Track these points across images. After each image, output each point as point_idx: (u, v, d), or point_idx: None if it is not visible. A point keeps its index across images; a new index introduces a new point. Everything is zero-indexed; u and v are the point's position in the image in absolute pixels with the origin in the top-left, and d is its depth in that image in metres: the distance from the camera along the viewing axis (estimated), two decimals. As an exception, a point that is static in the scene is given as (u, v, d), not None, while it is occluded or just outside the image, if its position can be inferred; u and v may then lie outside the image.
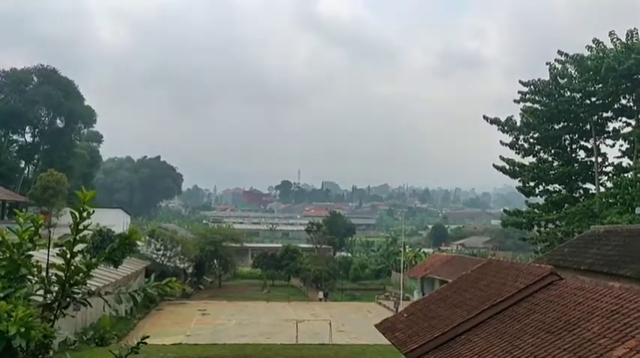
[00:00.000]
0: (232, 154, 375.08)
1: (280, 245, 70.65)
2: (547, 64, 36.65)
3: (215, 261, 58.90)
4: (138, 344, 4.19)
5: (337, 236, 72.35)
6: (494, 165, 39.42)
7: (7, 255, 3.66)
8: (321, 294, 52.90)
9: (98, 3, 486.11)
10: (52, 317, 3.77)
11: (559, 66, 36.22)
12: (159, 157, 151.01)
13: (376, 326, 17.26)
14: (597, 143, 36.67)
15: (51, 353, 3.70)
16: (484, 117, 38.96)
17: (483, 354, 11.19)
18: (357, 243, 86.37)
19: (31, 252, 3.83)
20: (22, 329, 3.13)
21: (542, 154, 38.51)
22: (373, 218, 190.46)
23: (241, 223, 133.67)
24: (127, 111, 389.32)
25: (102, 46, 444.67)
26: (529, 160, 38.63)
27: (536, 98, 37.22)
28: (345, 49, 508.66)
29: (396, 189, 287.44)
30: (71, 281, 3.81)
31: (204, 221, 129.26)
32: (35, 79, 67.97)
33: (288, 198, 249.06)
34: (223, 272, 60.78)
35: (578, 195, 37.55)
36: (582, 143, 38.04)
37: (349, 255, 74.48)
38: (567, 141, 38.14)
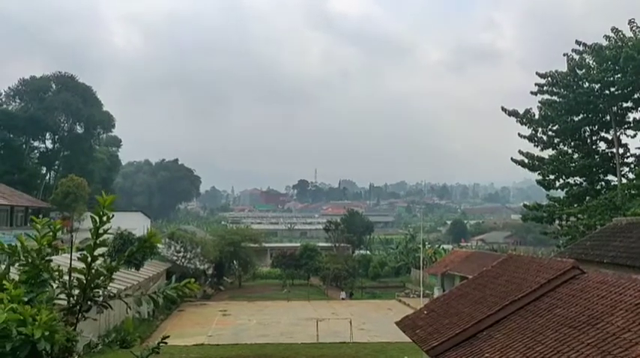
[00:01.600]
0: (249, 155, 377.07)
1: (299, 244, 70.72)
2: (564, 54, 36.10)
3: (234, 262, 59.24)
4: (158, 344, 4.25)
5: (355, 234, 72.17)
6: (512, 158, 38.97)
7: (29, 260, 3.74)
8: (343, 294, 52.38)
9: (111, 9, 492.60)
10: (75, 321, 3.84)
11: (577, 56, 35.62)
12: (177, 160, 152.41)
13: (397, 323, 17.22)
14: (618, 134, 36.00)
15: (75, 355, 3.76)
16: (502, 108, 38.49)
17: (506, 350, 11.09)
18: (375, 241, 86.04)
19: (51, 257, 3.90)
20: (47, 333, 3.20)
21: (561, 147, 37.92)
22: (391, 215, 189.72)
23: (259, 223, 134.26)
24: (144, 115, 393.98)
25: (117, 51, 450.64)
26: (548, 153, 38.09)
27: (554, 90, 36.66)
28: (357, 46, 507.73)
29: (413, 185, 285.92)
30: (92, 285, 3.88)
31: (222, 222, 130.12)
32: (54, 86, 69.13)
33: (306, 198, 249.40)
34: (243, 273, 61.12)
35: (599, 187, 36.91)
36: (602, 134, 37.38)
37: (368, 252, 74.26)
38: (587, 133, 37.50)
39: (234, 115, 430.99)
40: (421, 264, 50.96)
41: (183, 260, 51.27)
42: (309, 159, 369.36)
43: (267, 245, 71.38)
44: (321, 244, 69.75)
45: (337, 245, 65.73)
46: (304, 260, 59.63)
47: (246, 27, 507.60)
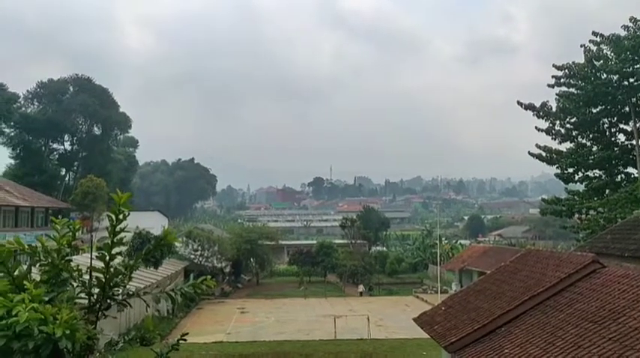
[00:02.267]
0: (264, 153, 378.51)
1: (315, 241, 70.76)
2: (581, 46, 35.53)
3: (252, 260, 59.55)
4: (177, 341, 4.30)
5: (372, 230, 71.98)
6: (529, 152, 38.50)
7: (49, 260, 3.80)
8: (361, 288, 52.00)
9: (126, 12, 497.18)
10: (95, 319, 3.89)
11: (594, 48, 35.03)
12: (193, 159, 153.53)
13: (414, 320, 17.16)
14: (637, 125, 35.33)
15: (96, 353, 3.82)
16: (518, 102, 38.05)
17: (525, 346, 10.98)
18: (392, 237, 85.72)
19: (71, 257, 3.96)
20: (68, 332, 3.25)
21: (580, 139, 37.37)
22: (407, 211, 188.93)
23: (276, 221, 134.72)
24: (160, 116, 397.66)
25: (131, 53, 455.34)
26: (566, 146, 37.56)
27: (572, 82, 36.12)
28: (370, 42, 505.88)
29: (429, 181, 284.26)
30: (111, 283, 3.93)
31: (239, 220, 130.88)
32: (71, 88, 70.07)
33: (321, 195, 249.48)
34: (260, 271, 61.41)
35: (619, 179, 36.30)
36: (622, 126, 36.73)
37: (385, 249, 74.02)
38: (606, 125, 36.89)
39: (249, 114, 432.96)
40: (438, 260, 50.68)
41: (200, 258, 51.69)
42: (324, 157, 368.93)
43: (283, 242, 71.58)
44: (337, 241, 69.71)
45: (353, 241, 65.62)
46: (321, 257, 59.69)
47: (259, 26, 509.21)
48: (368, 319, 32.77)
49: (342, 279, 58.47)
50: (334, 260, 59.01)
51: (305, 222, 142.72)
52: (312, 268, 60.37)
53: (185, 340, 4.42)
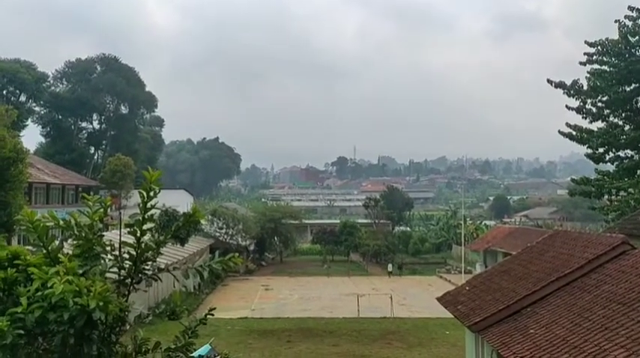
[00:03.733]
0: (288, 133, 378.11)
1: (338, 221, 71.09)
2: (616, 21, 34.29)
3: (275, 238, 60.20)
4: (205, 316, 4.39)
5: (395, 210, 71.88)
6: (559, 131, 37.63)
7: (82, 234, 3.90)
8: (390, 267, 51.46)
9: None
10: (126, 292, 4.00)
11: (629, 23, 33.78)
12: (217, 138, 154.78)
13: (438, 299, 17.18)
14: (673, 104, 34.17)
15: (127, 326, 3.93)
16: (548, 81, 37.09)
17: (551, 326, 10.91)
18: (415, 217, 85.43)
19: (102, 232, 4.06)
20: (101, 303, 3.35)
21: (611, 118, 36.33)
22: (431, 191, 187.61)
23: (299, 200, 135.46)
24: (185, 95, 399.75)
25: (157, 31, 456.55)
26: (598, 125, 36.57)
27: (605, 59, 34.99)
28: (395, 18, 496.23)
29: (454, 161, 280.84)
30: (142, 258, 4.02)
31: (263, 199, 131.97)
32: (98, 67, 71.04)
33: (345, 174, 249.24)
34: (284, 249, 62.10)
35: (652, 160, 35.29)
36: (656, 105, 35.54)
37: (408, 229, 73.91)
38: (639, 104, 35.74)
39: (272, 93, 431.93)
40: (462, 240, 50.40)
41: (225, 236, 52.49)
42: (347, 136, 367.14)
43: (307, 222, 72.08)
44: (360, 221, 69.89)
45: (377, 221, 65.69)
46: (344, 236, 59.98)
47: (283, 3, 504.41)
48: (391, 298, 32.94)
49: (364, 259, 58.73)
50: (357, 239, 59.24)
51: (328, 202, 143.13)
52: (336, 247, 60.77)
53: (212, 315, 4.52)
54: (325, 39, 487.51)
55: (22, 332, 3.34)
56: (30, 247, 4.00)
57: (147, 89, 74.27)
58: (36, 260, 3.67)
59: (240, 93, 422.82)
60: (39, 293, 3.37)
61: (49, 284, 3.36)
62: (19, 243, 27.84)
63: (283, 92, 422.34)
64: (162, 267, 4.35)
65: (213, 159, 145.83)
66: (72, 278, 3.40)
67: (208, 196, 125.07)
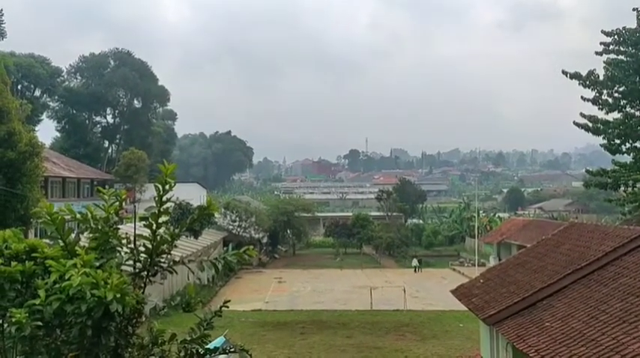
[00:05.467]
0: (300, 125, 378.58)
1: (351, 214, 70.96)
2: (634, 9, 33.62)
3: (288, 231, 60.35)
4: (220, 308, 4.41)
5: (408, 203, 71.54)
6: (574, 122, 37.06)
7: (99, 227, 3.92)
8: (415, 262, 49.33)
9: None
10: (142, 285, 4.02)
11: (647, 11, 33.10)
12: (230, 132, 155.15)
13: (452, 292, 17.11)
14: (692, 94, 33.48)
15: (143, 318, 3.96)
16: (563, 72, 36.51)
17: (567, 319, 10.80)
18: (428, 210, 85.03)
19: (118, 225, 4.08)
20: (118, 295, 3.37)
21: (628, 109, 35.67)
22: (444, 184, 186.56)
23: (311, 193, 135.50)
24: (197, 89, 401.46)
25: (169, 26, 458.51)
26: (614, 116, 35.96)
27: (622, 49, 34.34)
28: (407, 10, 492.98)
29: (467, 153, 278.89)
30: (157, 251, 4.03)
31: (275, 192, 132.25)
32: (112, 62, 71.48)
33: (357, 167, 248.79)
34: (297, 242, 62.23)
35: (670, 151, 34.66)
36: (675, 95, 34.83)
37: (421, 221, 73.61)
38: (657, 94, 35.06)
39: (285, 86, 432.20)
40: (476, 233, 50.08)
41: (238, 229, 52.72)
42: (360, 129, 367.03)
43: (319, 214, 72.10)
44: (373, 213, 69.71)
45: (389, 214, 65.49)
46: (356, 229, 59.91)
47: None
48: (404, 290, 32.88)
49: (377, 251, 58.66)
50: (370, 232, 59.13)
51: (341, 195, 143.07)
52: (348, 240, 60.76)
53: (227, 307, 4.53)
54: (337, 32, 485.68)
55: (40, 323, 3.38)
56: (47, 240, 4.03)
57: (160, 83, 74.67)
58: (53, 252, 3.70)
59: (253, 86, 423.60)
60: (57, 285, 3.40)
61: (66, 277, 3.38)
62: (35, 236, 28.22)
63: (295, 85, 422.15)
64: (177, 259, 4.37)
65: (225, 152, 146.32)
66: (89, 271, 3.43)
67: (221, 189, 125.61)
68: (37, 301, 3.36)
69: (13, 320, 3.30)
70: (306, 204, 65.36)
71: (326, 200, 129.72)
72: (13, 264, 3.60)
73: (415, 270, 48.27)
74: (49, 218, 3.76)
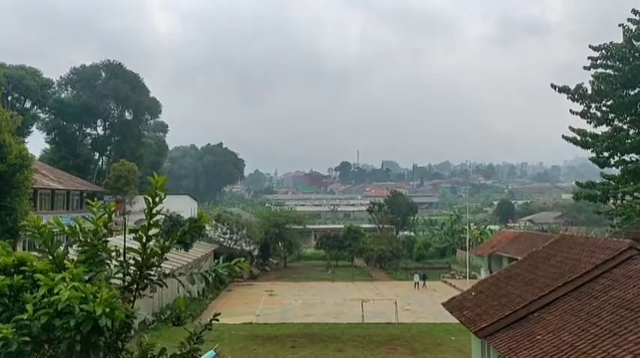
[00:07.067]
0: (291, 138, 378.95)
1: (342, 226, 70.91)
2: (620, 25, 34.22)
3: (279, 243, 60.13)
4: (210, 321, 4.37)
5: (399, 215, 71.66)
6: (563, 136, 37.48)
7: (88, 240, 3.88)
8: (416, 277, 46.73)
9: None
10: (132, 298, 3.98)
11: (633, 27, 33.70)
12: (221, 144, 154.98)
13: (443, 304, 17.08)
14: (678, 108, 34.00)
15: (132, 332, 3.91)
16: (552, 85, 36.99)
17: (558, 332, 10.81)
18: (419, 222, 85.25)
19: (107, 238, 4.04)
20: (107, 310, 3.33)
21: (616, 122, 36.16)
22: (435, 196, 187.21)
23: (303, 205, 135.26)
24: (189, 101, 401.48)
25: (161, 38, 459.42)
26: (602, 129, 36.42)
27: (609, 63, 34.89)
28: (397, 23, 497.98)
29: (458, 166, 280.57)
30: (147, 264, 4.00)
31: (266, 204, 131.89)
32: (103, 74, 71.34)
33: (348, 179, 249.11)
34: (288, 254, 61.98)
35: (657, 164, 35.08)
36: (661, 109, 35.36)
37: (412, 234, 73.69)
38: (644, 108, 35.57)
39: (276, 98, 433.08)
40: (467, 245, 50.21)
41: (229, 241, 52.45)
42: (351, 141, 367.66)
43: (311, 226, 71.99)
44: (364, 226, 69.70)
45: (381, 226, 65.54)
46: (348, 241, 59.82)
47: (285, 9, 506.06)
48: (395, 303, 32.79)
49: (369, 264, 58.57)
50: (361, 244, 59.07)
51: (332, 207, 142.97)
52: (340, 252, 60.61)
53: (218, 320, 4.49)
54: (329, 44, 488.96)
55: (27, 338, 3.32)
56: (35, 253, 3.99)
57: (151, 95, 74.60)
58: (42, 266, 3.66)
59: (244, 98, 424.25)
60: (45, 299, 3.36)
61: (55, 291, 3.34)
62: (24, 248, 27.90)
63: (287, 97, 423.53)
64: (167, 272, 4.33)
65: (216, 164, 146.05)
66: (78, 285, 3.39)
67: (212, 201, 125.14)
68: (25, 316, 3.32)
69: (0, 335, 3.25)
70: (297, 216, 65.25)
71: (317, 212, 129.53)
72: (1, 277, 3.56)
73: (415, 286, 46.20)
74: (36, 231, 3.72)
